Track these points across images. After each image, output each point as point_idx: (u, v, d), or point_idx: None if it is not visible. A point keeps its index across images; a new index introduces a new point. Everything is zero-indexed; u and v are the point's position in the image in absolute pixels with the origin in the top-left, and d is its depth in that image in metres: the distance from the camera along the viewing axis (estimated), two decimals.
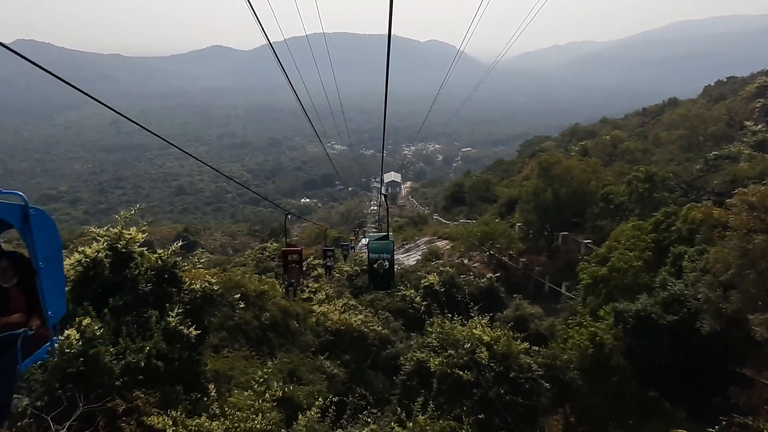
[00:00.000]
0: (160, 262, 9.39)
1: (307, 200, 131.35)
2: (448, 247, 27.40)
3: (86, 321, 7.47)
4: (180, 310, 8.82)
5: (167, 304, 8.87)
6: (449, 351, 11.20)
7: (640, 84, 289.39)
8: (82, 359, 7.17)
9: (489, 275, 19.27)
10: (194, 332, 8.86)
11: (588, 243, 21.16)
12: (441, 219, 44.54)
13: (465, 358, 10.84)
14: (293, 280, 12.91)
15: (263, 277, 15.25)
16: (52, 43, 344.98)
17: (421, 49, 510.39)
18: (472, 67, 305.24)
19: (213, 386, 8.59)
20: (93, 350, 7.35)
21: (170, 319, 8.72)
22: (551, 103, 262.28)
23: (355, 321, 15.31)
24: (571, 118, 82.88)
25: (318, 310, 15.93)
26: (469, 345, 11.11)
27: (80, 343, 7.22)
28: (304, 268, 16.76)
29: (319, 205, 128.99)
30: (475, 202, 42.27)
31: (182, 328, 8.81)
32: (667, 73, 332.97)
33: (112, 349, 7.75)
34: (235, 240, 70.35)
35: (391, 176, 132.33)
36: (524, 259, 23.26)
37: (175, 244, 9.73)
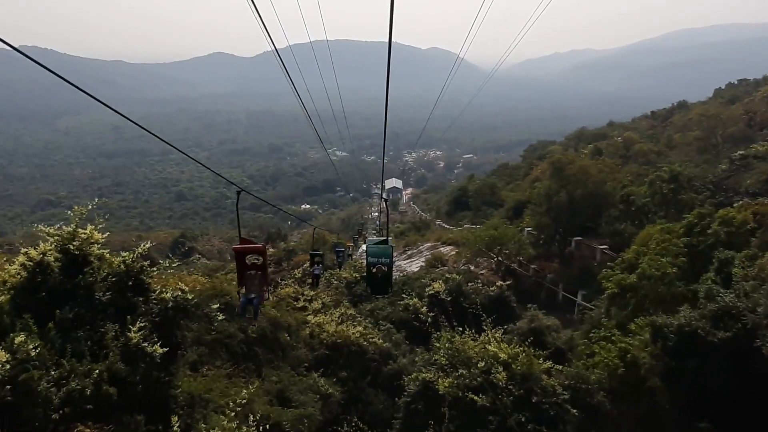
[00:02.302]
0: (123, 266, 7.99)
1: (308, 206, 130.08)
2: (453, 253, 25.96)
3: (20, 338, 6.06)
4: (143, 324, 7.41)
5: (128, 317, 7.46)
6: (460, 370, 9.75)
7: (642, 91, 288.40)
8: (9, 387, 5.78)
9: (499, 283, 17.82)
10: (160, 350, 7.45)
11: (604, 249, 19.76)
12: (444, 224, 43.13)
13: (479, 378, 9.40)
14: (252, 295, 8.79)
15: None
16: (54, 50, 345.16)
17: (422, 57, 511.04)
18: (474, 75, 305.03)
19: (176, 419, 7.11)
20: (25, 375, 5.95)
21: (131, 334, 7.32)
22: (553, 110, 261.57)
23: (353, 333, 13.88)
24: (573, 124, 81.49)
25: (312, 321, 14.52)
26: (483, 364, 9.68)
27: (8, 366, 5.84)
28: (270, 277, 11.66)
29: (320, 211, 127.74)
30: (480, 206, 40.83)
31: (146, 345, 7.40)
32: (668, 81, 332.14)
33: (53, 373, 6.36)
34: (233, 246, 68.74)
35: (393, 182, 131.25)
36: (535, 266, 21.82)
37: (142, 245, 8.32)
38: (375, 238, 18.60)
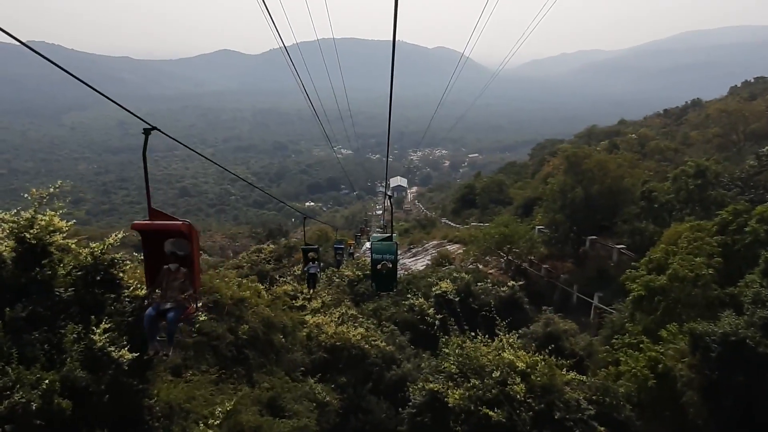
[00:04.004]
0: (90, 259, 7.01)
1: (312, 204, 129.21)
2: (460, 251, 24.89)
3: None
4: (110, 325, 6.44)
5: (93, 317, 6.47)
6: (472, 380, 8.70)
7: (650, 93, 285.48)
8: None
9: (510, 283, 16.73)
10: (128, 355, 6.47)
11: (621, 248, 18.61)
12: (450, 223, 42.00)
13: (493, 390, 8.35)
14: (168, 305, 5.60)
15: (244, 281, 12.83)
16: (61, 45, 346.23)
17: (428, 56, 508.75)
18: (481, 75, 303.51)
19: None
20: None
21: (95, 336, 6.34)
22: (559, 111, 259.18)
23: (354, 335, 12.85)
24: (580, 125, 79.76)
25: (311, 321, 13.51)
26: (498, 373, 8.63)
27: None
28: (201, 278, 6.91)
29: (324, 209, 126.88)
30: (487, 204, 39.77)
31: (112, 348, 6.42)
32: (676, 83, 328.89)
33: None
34: (236, 242, 67.97)
35: (397, 181, 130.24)
36: (547, 266, 20.71)
37: (113, 235, 7.34)
38: (379, 234, 17.58)
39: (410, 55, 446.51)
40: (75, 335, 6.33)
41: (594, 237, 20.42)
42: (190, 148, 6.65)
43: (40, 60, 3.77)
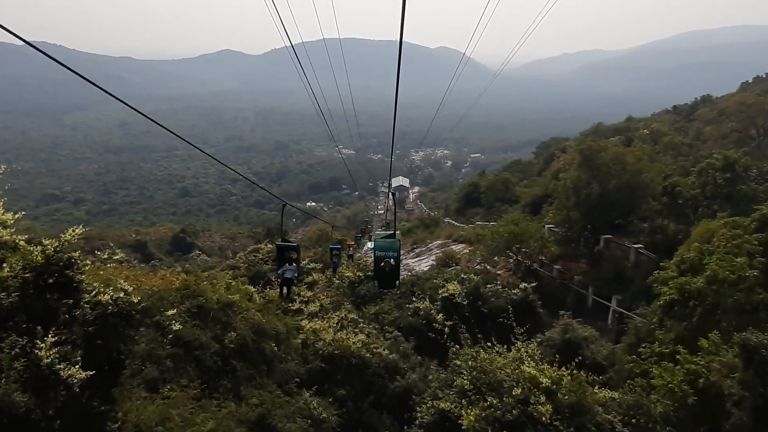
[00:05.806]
0: (41, 258, 5.94)
1: (313, 204, 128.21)
2: (466, 251, 23.76)
3: None
4: (57, 337, 5.37)
5: (38, 327, 5.41)
6: (489, 399, 7.58)
7: (652, 92, 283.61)
8: None
9: (523, 285, 15.62)
10: (80, 374, 5.40)
11: (639, 248, 17.48)
12: (454, 222, 40.84)
13: (515, 411, 7.23)
14: None
15: (233, 283, 11.73)
16: (63, 45, 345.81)
17: (430, 56, 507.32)
18: (483, 75, 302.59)
19: None
20: None
21: (41, 352, 5.27)
22: (561, 111, 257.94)
23: (354, 343, 11.74)
24: (583, 124, 78.40)
25: (307, 327, 12.40)
26: (519, 390, 7.50)
27: None
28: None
29: (325, 209, 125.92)
30: (492, 202, 38.68)
31: (61, 366, 5.36)
32: (678, 83, 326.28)
33: None
34: (235, 242, 67.18)
35: (399, 181, 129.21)
36: (559, 266, 19.57)
37: (71, 230, 6.27)
38: (382, 232, 16.49)
39: (412, 55, 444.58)
40: (17, 350, 5.28)
41: (609, 236, 19.30)
42: (197, 147, 6.14)
43: (42, 60, 3.09)
